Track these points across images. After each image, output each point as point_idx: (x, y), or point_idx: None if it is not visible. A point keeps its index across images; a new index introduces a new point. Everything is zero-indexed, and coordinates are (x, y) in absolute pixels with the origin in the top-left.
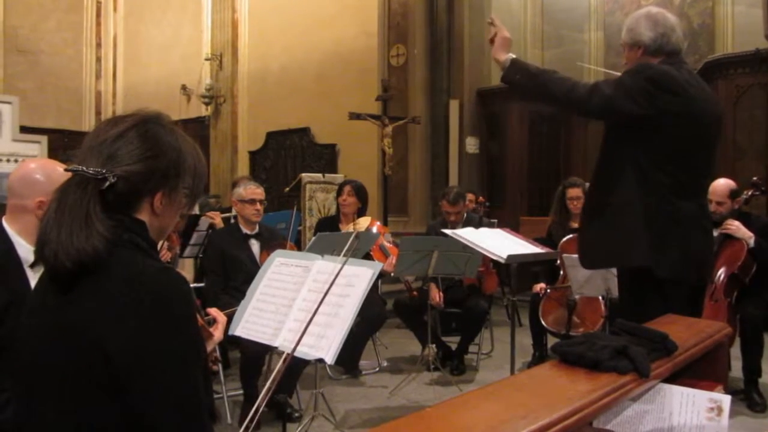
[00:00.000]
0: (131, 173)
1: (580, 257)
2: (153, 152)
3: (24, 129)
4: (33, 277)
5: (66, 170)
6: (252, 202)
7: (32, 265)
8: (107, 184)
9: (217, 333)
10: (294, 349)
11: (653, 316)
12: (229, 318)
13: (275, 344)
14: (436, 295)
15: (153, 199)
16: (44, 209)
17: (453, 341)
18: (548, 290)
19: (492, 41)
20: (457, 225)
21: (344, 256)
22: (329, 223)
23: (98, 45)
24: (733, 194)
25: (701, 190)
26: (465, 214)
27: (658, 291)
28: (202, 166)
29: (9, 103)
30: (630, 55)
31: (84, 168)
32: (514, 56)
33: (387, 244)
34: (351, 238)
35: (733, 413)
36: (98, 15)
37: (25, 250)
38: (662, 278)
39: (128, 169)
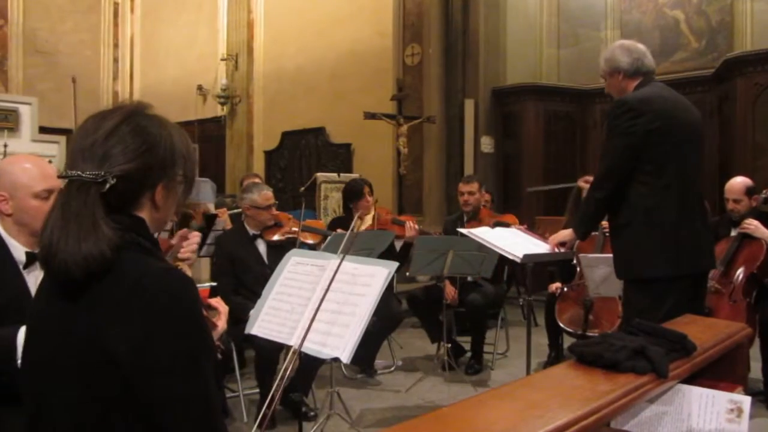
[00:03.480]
0: (129, 171)
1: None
2: (147, 146)
3: (42, 129)
4: (28, 279)
5: (61, 177)
6: (268, 208)
7: (25, 267)
8: (108, 186)
9: (220, 323)
10: (301, 345)
11: (659, 310)
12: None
13: (290, 343)
14: (450, 292)
15: (154, 193)
16: (7, 205)
17: (467, 341)
18: (564, 289)
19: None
20: (470, 207)
21: (341, 253)
22: (341, 224)
23: (115, 46)
24: (750, 191)
25: (694, 187)
26: (481, 204)
27: (662, 286)
28: (191, 149)
29: (29, 104)
30: (611, 82)
31: (80, 173)
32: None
33: (398, 216)
34: (346, 237)
35: (752, 415)
36: (115, 16)
37: (19, 251)
38: (665, 277)
39: (126, 168)
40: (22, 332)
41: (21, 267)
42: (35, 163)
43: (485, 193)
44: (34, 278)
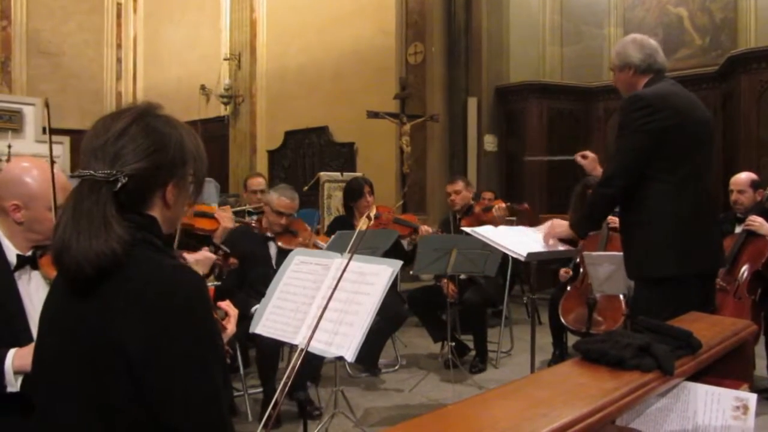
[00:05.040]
0: (140, 170)
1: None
2: (157, 146)
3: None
4: (19, 281)
5: (73, 176)
6: (279, 214)
7: (15, 269)
8: (119, 185)
9: (230, 326)
10: (307, 345)
11: (670, 309)
12: (250, 317)
13: (295, 342)
14: (452, 288)
15: (164, 192)
16: (20, 213)
17: (471, 339)
18: (575, 271)
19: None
20: (458, 206)
21: (349, 251)
22: (343, 222)
23: (119, 46)
24: (755, 185)
25: (705, 186)
26: (472, 202)
27: (675, 285)
28: (201, 149)
29: (32, 104)
30: (621, 77)
31: (92, 172)
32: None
33: (399, 216)
34: (354, 236)
35: (758, 412)
36: (118, 16)
37: (11, 254)
38: (679, 276)
39: (137, 167)
40: (10, 356)
41: (12, 269)
42: (50, 173)
43: (472, 190)
44: (24, 282)
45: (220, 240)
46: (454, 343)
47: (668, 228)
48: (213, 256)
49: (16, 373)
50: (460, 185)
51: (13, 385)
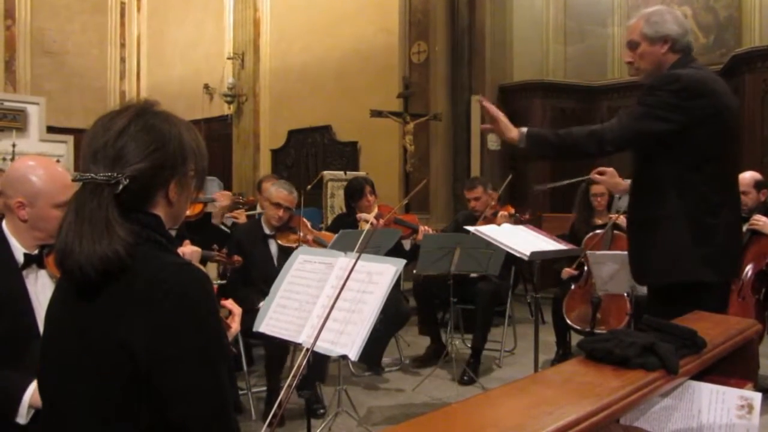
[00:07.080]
0: (141, 171)
1: (632, 272)
2: (157, 145)
3: (50, 129)
4: (27, 280)
5: (75, 180)
6: (277, 206)
7: (22, 268)
8: (121, 187)
9: (234, 325)
10: (313, 344)
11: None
12: (253, 315)
13: (299, 341)
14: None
15: (167, 190)
16: (24, 211)
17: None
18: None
19: (490, 127)
20: (479, 212)
21: (357, 251)
22: (346, 221)
23: (122, 45)
24: (759, 185)
25: (733, 184)
26: (492, 203)
27: (692, 292)
28: (201, 143)
29: (36, 103)
30: (650, 51)
31: (93, 175)
32: (525, 130)
33: (400, 216)
34: (363, 234)
35: (762, 411)
36: (122, 16)
37: (18, 252)
38: (710, 283)
39: (138, 168)
40: (30, 390)
41: (19, 268)
42: (56, 171)
43: (492, 193)
44: (31, 280)
45: (220, 220)
46: (456, 342)
47: (696, 229)
48: (199, 249)
49: (31, 407)
50: (479, 191)
51: (23, 417)
